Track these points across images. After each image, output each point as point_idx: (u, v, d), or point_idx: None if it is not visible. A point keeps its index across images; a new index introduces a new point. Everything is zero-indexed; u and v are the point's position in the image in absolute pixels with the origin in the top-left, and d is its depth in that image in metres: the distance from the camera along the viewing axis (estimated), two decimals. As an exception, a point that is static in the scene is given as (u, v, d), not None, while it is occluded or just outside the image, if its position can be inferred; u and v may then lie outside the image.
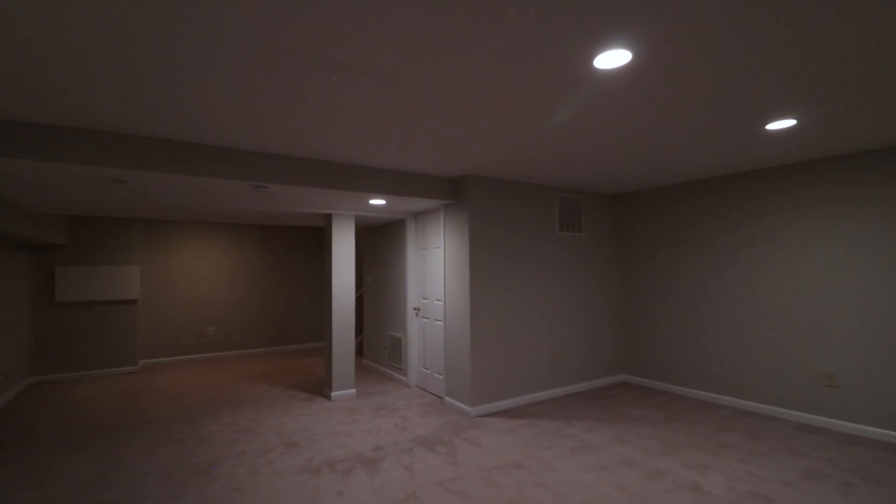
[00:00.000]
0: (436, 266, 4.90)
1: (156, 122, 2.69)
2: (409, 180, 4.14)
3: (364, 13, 1.60)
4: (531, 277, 4.67)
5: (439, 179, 4.36)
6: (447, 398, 4.53)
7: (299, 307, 7.92)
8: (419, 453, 3.33)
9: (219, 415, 4.29)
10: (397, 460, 3.21)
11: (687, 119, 2.77)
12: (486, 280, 4.33)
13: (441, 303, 4.77)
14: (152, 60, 1.92)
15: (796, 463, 3.10)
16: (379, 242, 6.22)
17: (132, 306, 6.26)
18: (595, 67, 2.04)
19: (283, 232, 7.85)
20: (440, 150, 3.42)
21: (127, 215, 5.77)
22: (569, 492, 2.74)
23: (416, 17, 1.63)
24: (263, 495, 2.73)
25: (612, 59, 1.95)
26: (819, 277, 3.84)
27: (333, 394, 4.75)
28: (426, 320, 5.11)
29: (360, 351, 7.47)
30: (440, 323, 4.81)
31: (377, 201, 4.32)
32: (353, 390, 4.90)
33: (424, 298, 5.15)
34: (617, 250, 5.53)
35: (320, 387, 5.31)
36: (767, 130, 3.04)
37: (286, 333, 7.79)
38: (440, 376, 4.79)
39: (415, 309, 5.30)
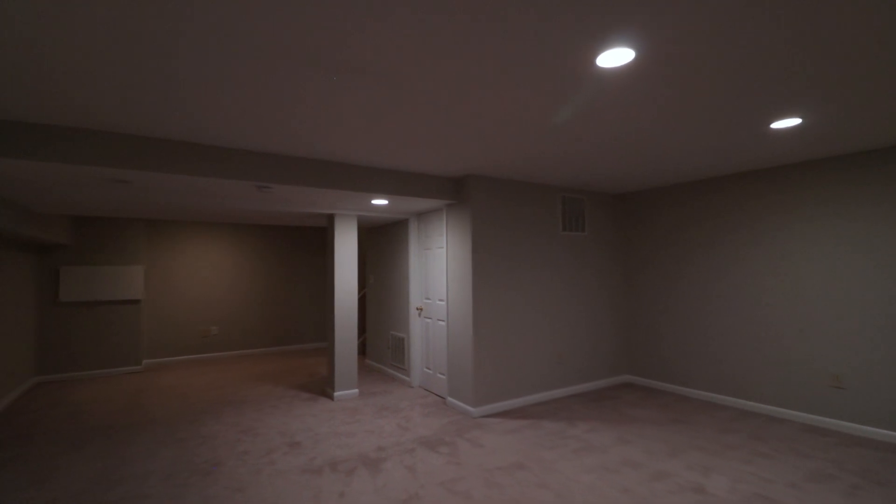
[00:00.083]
0: (438, 266, 4.89)
1: (157, 122, 2.69)
2: (411, 180, 4.13)
3: (364, 13, 1.59)
4: (534, 277, 4.65)
5: (441, 179, 4.35)
6: (450, 398, 4.52)
7: (302, 307, 7.93)
8: (421, 454, 3.32)
9: (221, 414, 4.30)
10: (399, 461, 3.21)
11: (690, 118, 2.75)
12: (488, 280, 4.32)
13: (444, 303, 4.76)
14: (152, 60, 1.91)
15: (801, 464, 3.07)
16: (381, 242, 6.22)
17: (136, 306, 6.28)
18: (597, 66, 2.02)
19: (286, 232, 7.86)
20: (441, 151, 3.41)
21: (130, 215, 5.79)
22: (571, 493, 2.73)
23: (417, 16, 1.61)
24: (265, 495, 2.73)
25: (615, 57, 1.94)
26: (824, 278, 3.81)
27: (336, 394, 4.75)
28: (429, 320, 5.10)
29: (362, 351, 7.47)
30: (443, 323, 4.80)
31: (379, 201, 4.32)
32: (356, 390, 4.90)
33: (427, 298, 5.14)
34: (620, 250, 5.50)
35: (323, 387, 5.31)
36: (772, 129, 3.01)
37: (289, 333, 7.80)
38: (443, 377, 4.78)
39: (417, 309, 5.29)
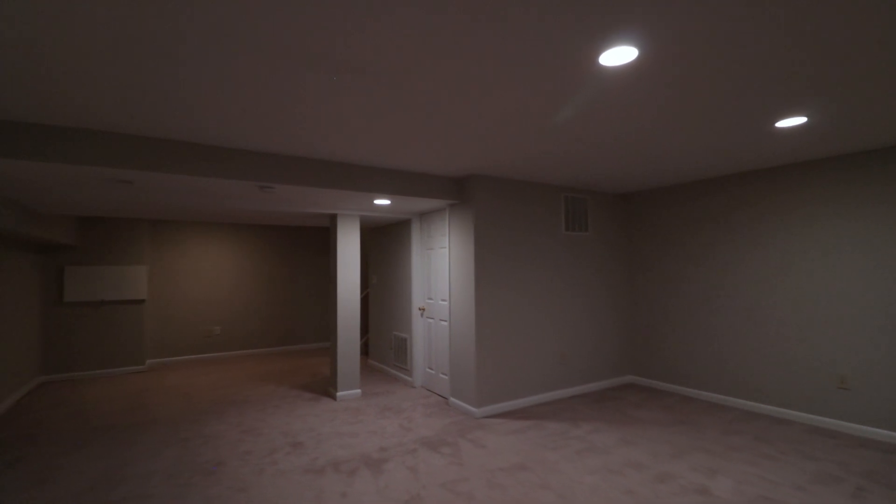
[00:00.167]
0: (441, 266, 4.88)
1: (158, 122, 2.69)
2: (413, 180, 4.12)
3: (364, 13, 1.58)
4: (536, 277, 4.64)
5: (444, 179, 4.34)
6: (452, 399, 4.51)
7: (305, 307, 7.94)
8: (424, 454, 3.32)
9: (224, 414, 4.30)
10: (402, 461, 3.20)
11: (694, 117, 2.73)
12: (491, 280, 4.30)
13: (446, 303, 4.75)
14: (153, 60, 1.91)
15: (807, 466, 3.04)
16: (384, 242, 6.22)
17: (140, 306, 6.30)
18: (600, 64, 2.01)
19: (289, 232, 7.87)
20: (443, 151, 3.40)
21: (134, 216, 5.81)
22: (574, 494, 2.71)
23: (417, 16, 1.60)
24: (268, 496, 2.73)
25: (618, 56, 1.92)
26: (828, 278, 3.77)
27: (339, 394, 4.75)
28: (431, 320, 5.09)
29: (365, 351, 7.47)
30: (445, 323, 4.79)
31: (382, 201, 4.31)
32: (359, 390, 4.89)
33: (429, 298, 5.13)
34: (623, 250, 5.47)
35: (325, 387, 5.32)
36: (777, 128, 2.98)
37: (292, 333, 7.81)
38: (445, 377, 4.77)
39: (420, 309, 5.28)
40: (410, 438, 3.63)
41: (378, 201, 4.31)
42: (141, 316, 6.31)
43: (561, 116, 2.67)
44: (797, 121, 2.82)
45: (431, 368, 5.07)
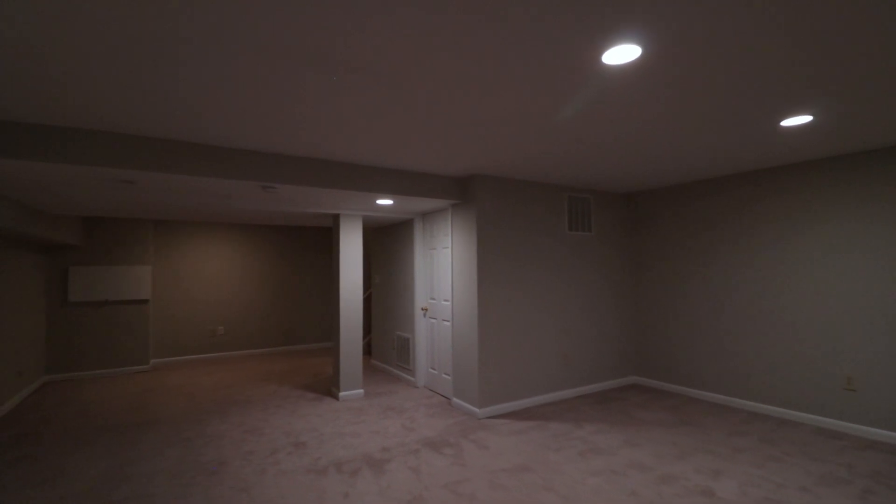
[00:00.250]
0: (443, 266, 4.87)
1: (159, 122, 2.70)
2: (416, 180, 4.11)
3: (364, 13, 1.57)
4: (539, 277, 4.62)
5: (446, 179, 4.33)
6: (455, 399, 4.50)
7: (308, 307, 7.95)
8: (426, 455, 3.31)
9: (227, 414, 4.31)
10: (404, 462, 3.19)
11: (698, 116, 2.71)
12: (493, 280, 4.29)
13: (449, 303, 4.74)
14: (153, 61, 1.91)
15: (813, 468, 3.01)
16: (387, 242, 6.22)
17: (144, 306, 6.33)
18: (603, 63, 1.99)
19: (292, 232, 7.88)
20: (444, 151, 3.39)
21: (138, 216, 5.83)
22: (578, 496, 2.69)
23: (417, 15, 1.59)
24: (270, 496, 2.73)
25: (621, 54, 1.90)
26: (837, 278, 3.74)
27: (341, 394, 4.75)
28: (434, 321, 5.08)
29: (368, 351, 7.47)
30: (448, 323, 4.78)
31: (384, 201, 4.31)
32: (361, 390, 4.89)
33: (432, 299, 5.12)
34: (627, 250, 5.45)
35: (328, 387, 5.32)
36: (783, 127, 2.96)
37: (295, 333, 7.82)
38: (448, 377, 4.76)
39: (423, 309, 5.27)
40: (413, 439, 3.63)
41: (380, 201, 4.30)
42: (145, 316, 6.33)
43: (563, 115, 2.66)
44: (803, 120, 2.80)
45: (434, 369, 5.07)
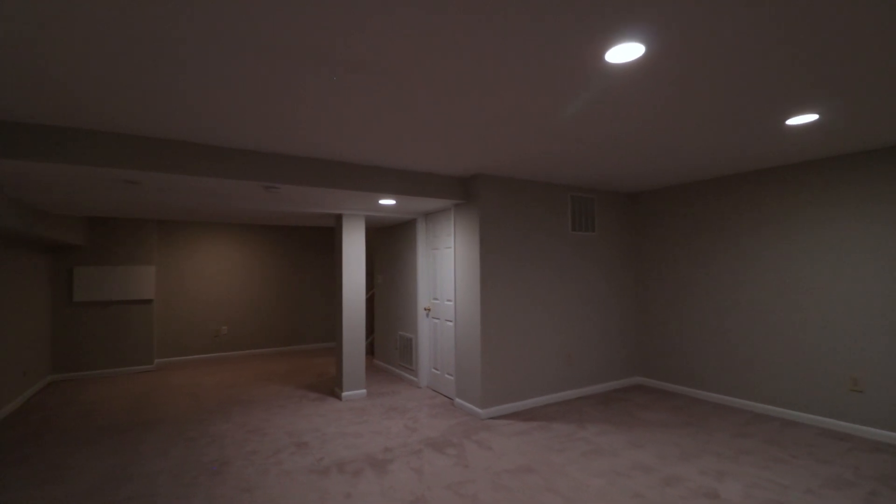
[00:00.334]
0: (446, 266, 4.86)
1: (161, 122, 2.70)
2: (418, 180, 4.11)
3: (364, 13, 1.56)
4: (542, 277, 4.60)
5: (449, 179, 4.32)
6: (458, 399, 4.49)
7: (311, 307, 7.96)
8: (428, 455, 3.30)
9: (231, 414, 4.32)
10: (406, 462, 3.18)
11: (702, 115, 2.68)
12: (496, 280, 4.28)
13: (451, 303, 4.74)
14: (153, 61, 1.91)
15: (819, 470, 2.99)
16: (389, 242, 6.21)
17: (148, 306, 6.35)
18: (606, 62, 1.98)
19: (295, 232, 7.89)
20: (445, 151, 3.38)
21: (142, 216, 5.86)
22: (581, 497, 2.68)
23: (417, 15, 1.59)
24: (273, 496, 2.73)
25: (624, 52, 1.89)
26: (842, 278, 3.70)
27: (344, 394, 4.75)
28: (437, 321, 5.08)
29: (371, 351, 7.47)
30: (451, 323, 4.77)
31: (387, 201, 4.30)
32: (364, 391, 4.89)
33: (435, 299, 5.11)
34: (631, 250, 5.42)
35: (331, 387, 5.32)
36: (788, 126, 2.93)
37: (298, 333, 7.83)
38: (451, 377, 4.75)
39: (425, 309, 5.27)
40: (415, 439, 3.62)
41: (383, 201, 4.30)
42: (149, 316, 6.35)
43: (565, 114, 2.64)
44: (808, 118, 2.77)
45: (437, 369, 5.06)
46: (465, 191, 4.42)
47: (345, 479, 2.94)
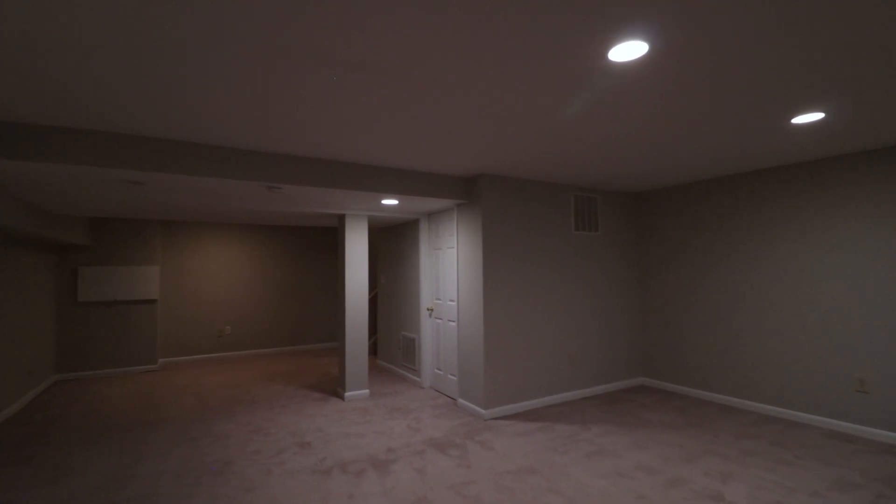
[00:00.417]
0: (449, 266, 4.85)
1: (161, 122, 2.70)
2: (420, 180, 4.10)
3: (364, 13, 1.55)
4: (545, 277, 4.58)
5: (451, 179, 4.31)
6: (461, 400, 4.48)
7: (314, 307, 7.97)
8: (431, 456, 3.29)
9: (234, 414, 4.32)
10: (409, 463, 3.18)
11: (706, 113, 2.66)
12: (499, 280, 4.26)
13: (454, 303, 4.72)
14: (154, 61, 1.91)
15: (825, 472, 2.96)
16: (392, 242, 6.21)
17: (152, 306, 6.38)
18: (609, 60, 1.96)
19: (298, 232, 7.90)
20: (446, 151, 3.36)
21: (145, 217, 5.88)
22: (584, 499, 2.66)
23: (418, 15, 1.57)
24: (275, 496, 2.73)
25: (628, 51, 1.87)
26: (848, 278, 3.66)
27: (347, 394, 4.75)
28: (440, 321, 5.07)
29: (374, 351, 7.47)
30: (453, 324, 4.76)
31: (389, 201, 4.29)
32: (367, 391, 4.89)
33: (438, 299, 5.10)
34: (635, 250, 5.39)
35: (334, 387, 5.32)
36: (793, 125, 2.90)
37: (301, 333, 7.84)
38: (454, 378, 4.74)
39: (428, 309, 5.26)
40: (418, 440, 3.61)
41: (385, 201, 4.29)
42: (153, 316, 6.38)
43: (568, 113, 2.62)
44: (814, 117, 2.74)
45: (440, 369, 5.05)
46: (467, 191, 4.40)
47: (347, 480, 2.93)
